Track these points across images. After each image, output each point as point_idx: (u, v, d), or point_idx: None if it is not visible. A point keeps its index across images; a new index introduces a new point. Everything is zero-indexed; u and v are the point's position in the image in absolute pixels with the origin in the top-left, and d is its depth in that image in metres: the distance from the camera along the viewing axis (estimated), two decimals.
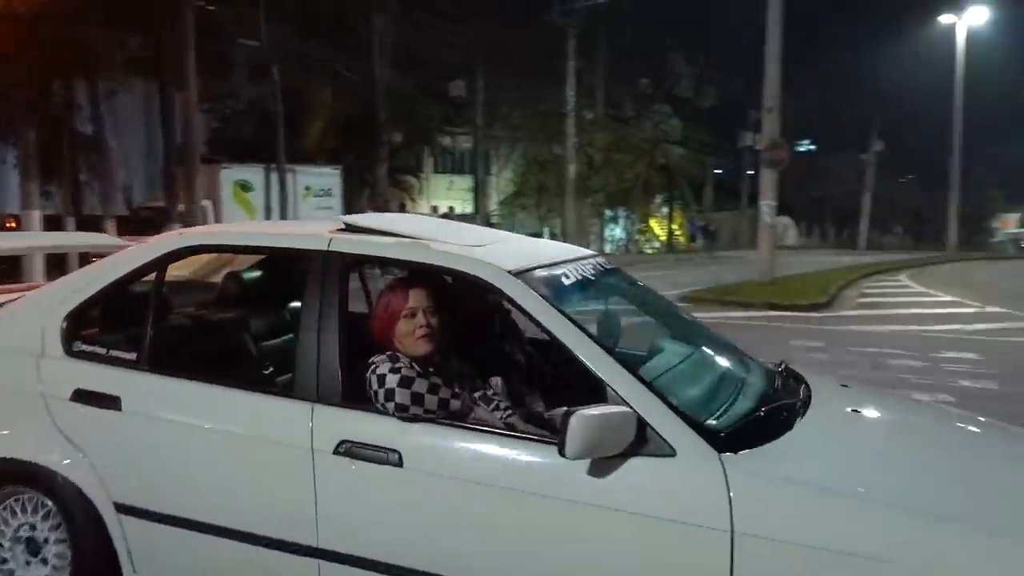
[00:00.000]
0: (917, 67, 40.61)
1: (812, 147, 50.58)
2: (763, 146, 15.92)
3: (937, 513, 2.04)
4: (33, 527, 2.76)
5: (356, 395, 2.46)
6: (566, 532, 2.20)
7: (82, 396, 2.70)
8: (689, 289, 15.25)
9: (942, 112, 32.50)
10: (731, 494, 2.06)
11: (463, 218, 25.87)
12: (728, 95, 33.49)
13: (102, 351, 2.77)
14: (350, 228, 2.77)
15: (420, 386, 2.39)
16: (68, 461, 2.68)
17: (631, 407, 2.16)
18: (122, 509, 2.65)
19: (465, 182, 33.67)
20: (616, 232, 35.57)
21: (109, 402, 2.67)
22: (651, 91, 31.80)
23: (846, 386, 3.20)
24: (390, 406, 2.37)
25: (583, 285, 2.73)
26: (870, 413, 2.80)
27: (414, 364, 2.48)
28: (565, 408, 2.11)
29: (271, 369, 3.18)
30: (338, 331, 2.52)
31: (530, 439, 2.33)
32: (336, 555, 2.43)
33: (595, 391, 2.26)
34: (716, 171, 43.33)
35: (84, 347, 2.79)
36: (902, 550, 1.94)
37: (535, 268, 2.59)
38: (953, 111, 31.04)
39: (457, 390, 2.50)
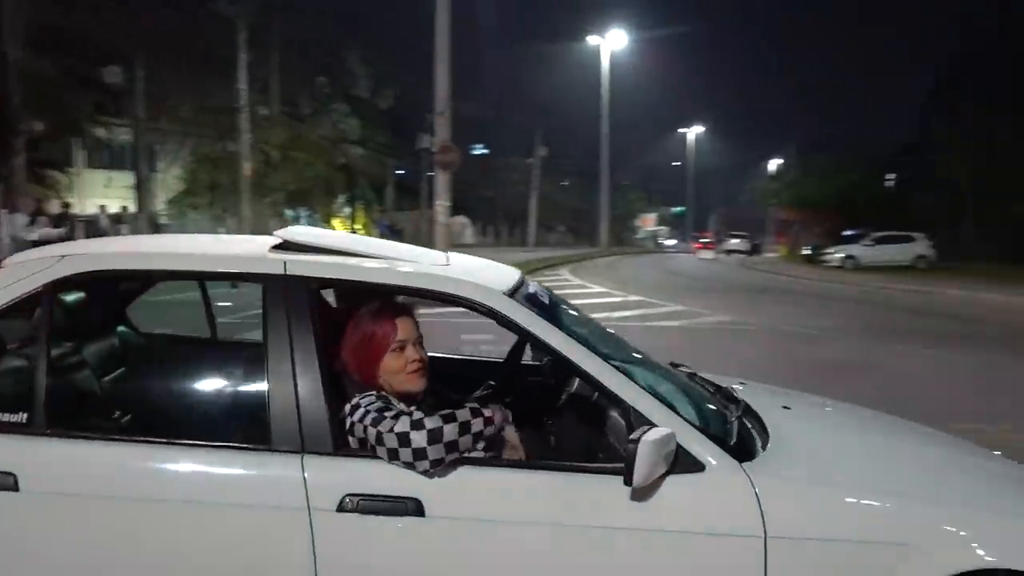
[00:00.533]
0: (574, 81, 45.07)
1: (485, 151, 53.69)
2: (435, 149, 16.52)
3: (933, 495, 2.19)
4: None
5: (344, 441, 2.10)
6: (608, 560, 2.05)
7: None
8: None
9: (594, 123, 36.28)
10: (760, 501, 2.05)
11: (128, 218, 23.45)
12: (407, 97, 34.33)
13: None
14: (289, 246, 2.35)
15: (451, 431, 2.03)
16: None
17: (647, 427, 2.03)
18: None
19: (126, 179, 30.57)
20: None
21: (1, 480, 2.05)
22: (328, 89, 31.49)
23: (743, 383, 3.08)
24: (422, 464, 2.00)
25: (552, 304, 2.58)
26: (799, 409, 2.86)
27: (401, 403, 2.17)
28: (630, 437, 1.96)
29: (118, 414, 2.62)
30: (319, 369, 2.13)
31: (570, 468, 2.11)
32: None
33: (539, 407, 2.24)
34: (398, 171, 44.17)
35: None
36: (917, 533, 2.04)
37: (519, 287, 2.41)
38: (601, 123, 34.81)
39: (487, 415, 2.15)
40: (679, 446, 2.05)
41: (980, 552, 2.02)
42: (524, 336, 2.29)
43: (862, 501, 2.10)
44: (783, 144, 51.60)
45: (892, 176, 41.32)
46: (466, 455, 2.07)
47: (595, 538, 2.05)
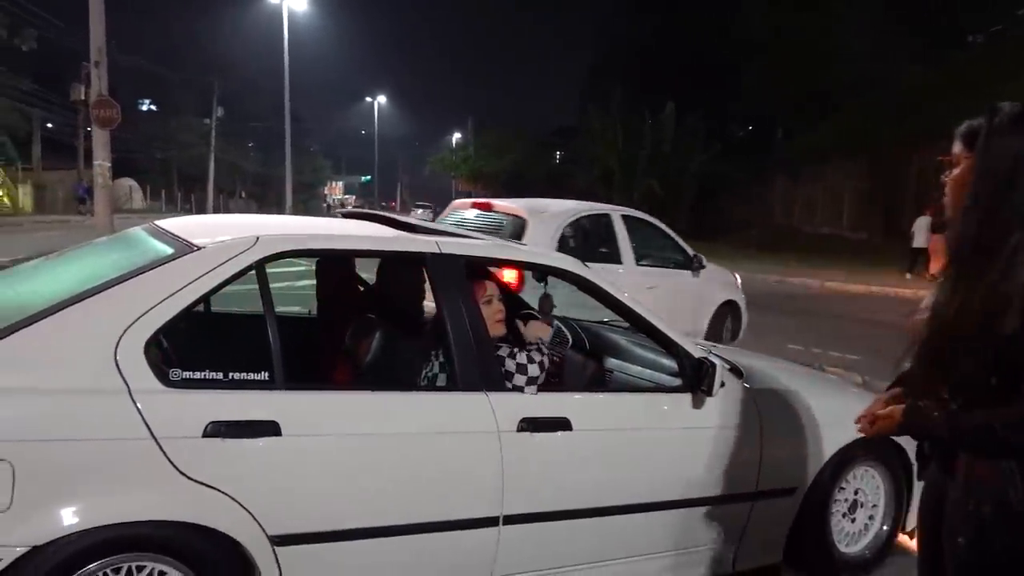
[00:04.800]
0: (253, 40, 42.96)
1: (153, 107, 49.33)
2: (91, 103, 15.00)
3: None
4: None
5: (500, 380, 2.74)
6: (684, 450, 2.99)
7: (222, 429, 2.23)
8: (9, 259, 13.61)
9: (278, 85, 35.02)
10: (758, 405, 3.09)
11: None
12: (56, 40, 30.31)
13: (217, 375, 2.33)
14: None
15: (542, 364, 2.85)
16: (208, 507, 2.23)
17: (701, 359, 2.98)
18: (280, 541, 2.34)
19: None
20: None
21: (263, 429, 2.30)
22: None
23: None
24: (531, 388, 2.77)
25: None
26: (744, 358, 3.64)
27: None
28: (700, 359, 2.97)
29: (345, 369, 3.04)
30: (481, 325, 2.76)
31: (652, 388, 3.19)
32: (518, 517, 2.67)
33: None
34: (47, 125, 38.99)
35: (186, 375, 2.28)
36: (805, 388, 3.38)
37: None
38: (284, 85, 33.71)
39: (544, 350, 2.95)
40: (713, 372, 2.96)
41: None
42: (601, 297, 3.08)
43: (792, 390, 3.34)
44: (464, 118, 54.10)
45: (558, 154, 45.43)
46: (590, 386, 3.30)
47: (666, 437, 2.97)
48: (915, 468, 3.43)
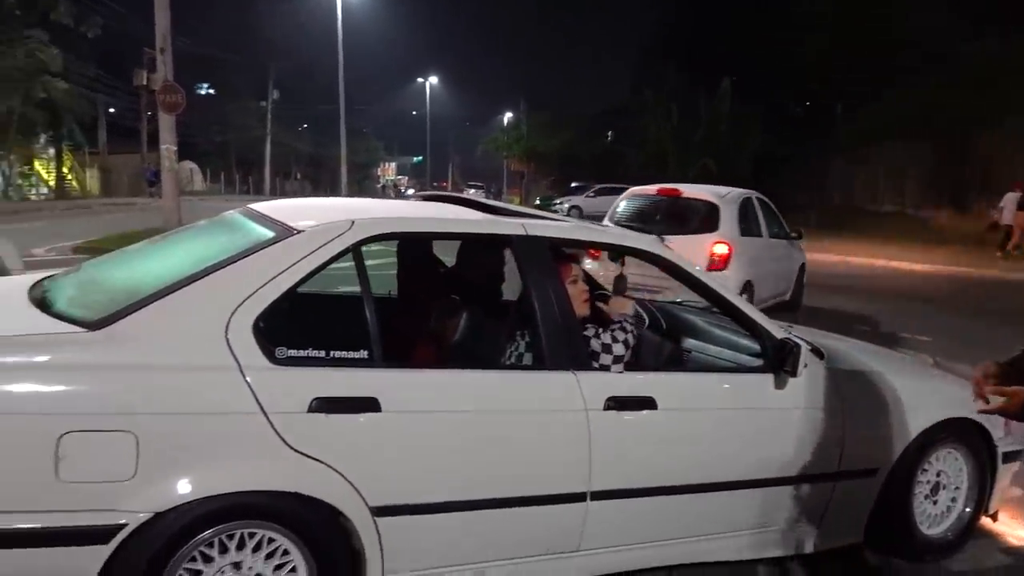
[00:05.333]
0: (308, 24, 43.42)
1: (211, 91, 50.29)
2: (157, 88, 15.40)
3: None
4: (238, 566, 2.34)
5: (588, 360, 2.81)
6: (766, 430, 3.02)
7: (325, 405, 2.34)
8: (84, 240, 14.12)
9: (330, 68, 35.38)
10: (840, 386, 3.09)
11: None
12: (119, 27, 31.07)
13: (320, 354, 2.46)
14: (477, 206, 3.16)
15: (627, 343, 2.91)
16: (313, 479, 2.34)
17: (784, 340, 3.00)
18: (379, 512, 2.45)
19: None
20: None
21: (365, 405, 2.40)
22: (20, 13, 27.53)
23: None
24: (618, 367, 2.83)
25: None
26: (821, 339, 3.62)
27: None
28: (783, 340, 2.99)
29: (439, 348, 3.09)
30: (568, 307, 2.81)
31: (737, 370, 3.20)
32: (605, 493, 2.74)
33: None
34: (110, 110, 40.07)
35: (292, 353, 2.41)
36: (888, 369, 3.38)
37: None
38: (339, 68, 34.04)
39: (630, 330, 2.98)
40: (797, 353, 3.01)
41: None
42: (683, 278, 3.12)
43: (874, 371, 3.34)
44: (515, 98, 53.93)
45: (610, 133, 45.02)
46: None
47: (749, 416, 3.01)
48: (999, 451, 3.44)
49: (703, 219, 7.69)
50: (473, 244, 3.35)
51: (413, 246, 3.66)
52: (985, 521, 3.57)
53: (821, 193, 30.57)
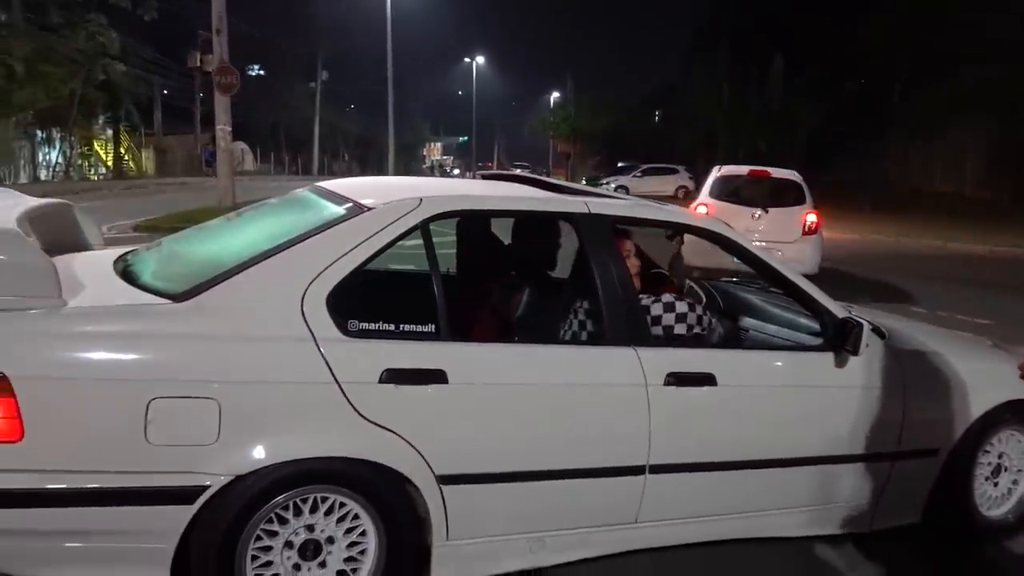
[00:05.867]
0: (356, 5, 43.68)
1: (262, 72, 50.89)
2: (213, 69, 15.69)
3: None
4: (311, 528, 2.47)
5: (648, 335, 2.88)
6: (826, 408, 3.04)
7: (396, 376, 2.45)
8: (144, 218, 14.53)
9: (379, 48, 35.58)
10: (901, 366, 3.12)
11: None
12: (172, 9, 31.61)
13: (390, 327, 2.56)
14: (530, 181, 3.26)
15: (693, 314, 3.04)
16: (383, 446, 2.45)
17: (846, 319, 2.98)
18: (445, 480, 2.55)
19: None
20: (52, 156, 31.33)
21: (433, 377, 2.50)
22: None
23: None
24: (681, 326, 2.97)
25: None
26: (883, 319, 3.62)
27: None
28: (845, 319, 2.97)
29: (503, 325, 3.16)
30: (630, 282, 2.89)
31: (797, 348, 3.20)
32: (663, 467, 2.81)
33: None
34: (164, 92, 40.87)
35: (363, 326, 2.51)
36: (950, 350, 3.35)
37: None
38: (387, 49, 34.20)
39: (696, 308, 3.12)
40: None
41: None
42: (744, 257, 3.13)
43: (936, 351, 3.31)
44: (562, 78, 53.59)
45: (658, 113, 44.52)
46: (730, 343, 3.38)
47: (809, 394, 3.03)
48: None
49: (793, 195, 9.91)
50: (530, 222, 3.41)
51: (474, 224, 3.73)
52: None
53: (877, 174, 29.87)
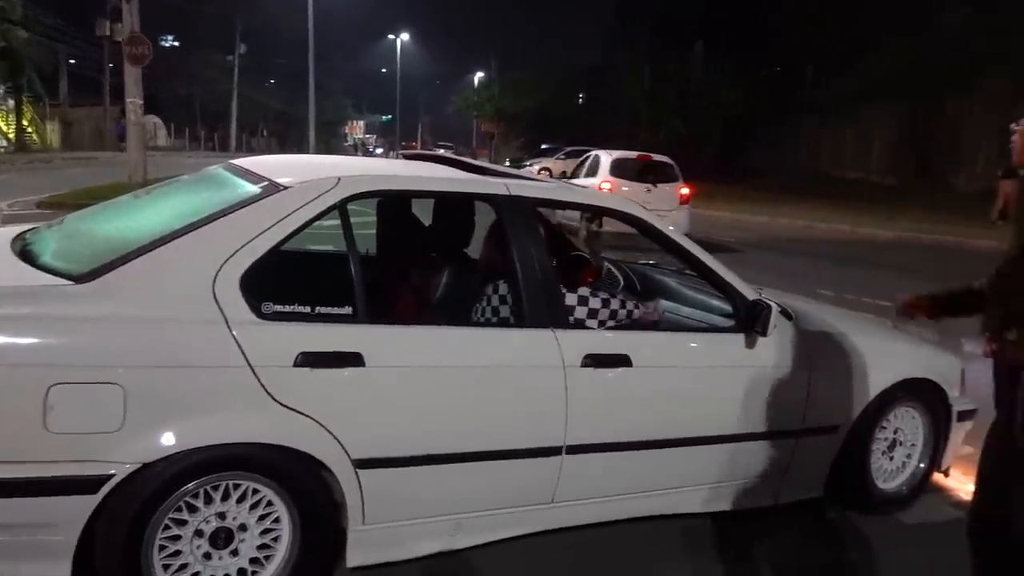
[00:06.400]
0: None
1: (176, 43, 48.98)
2: (123, 39, 15.00)
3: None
4: (223, 516, 2.41)
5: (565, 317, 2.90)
6: (736, 387, 3.10)
7: (311, 359, 2.40)
8: (48, 194, 13.84)
9: (300, 22, 34.60)
10: (808, 346, 3.23)
11: None
12: None
13: (306, 309, 2.49)
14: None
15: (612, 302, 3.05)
16: (298, 431, 2.40)
17: (756, 301, 3.09)
18: (361, 464, 2.52)
19: None
20: None
21: (350, 360, 2.46)
22: None
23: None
24: (592, 322, 2.97)
25: None
26: (791, 301, 3.71)
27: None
28: (755, 301, 3.07)
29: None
30: (549, 266, 2.89)
31: (710, 329, 3.35)
32: (580, 447, 2.84)
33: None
34: (71, 61, 38.91)
35: (278, 308, 2.44)
36: (852, 331, 3.47)
37: None
38: (308, 23, 33.30)
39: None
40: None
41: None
42: (660, 240, 3.17)
43: (840, 332, 3.43)
44: (487, 57, 53.27)
45: (582, 95, 44.78)
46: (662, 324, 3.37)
47: (720, 375, 3.11)
48: (953, 410, 3.60)
49: (671, 175, 12.84)
50: (451, 203, 3.39)
51: (394, 205, 3.69)
52: (937, 477, 3.75)
53: (789, 157, 30.86)
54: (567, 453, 2.83)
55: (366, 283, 2.63)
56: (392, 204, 3.69)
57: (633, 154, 13.33)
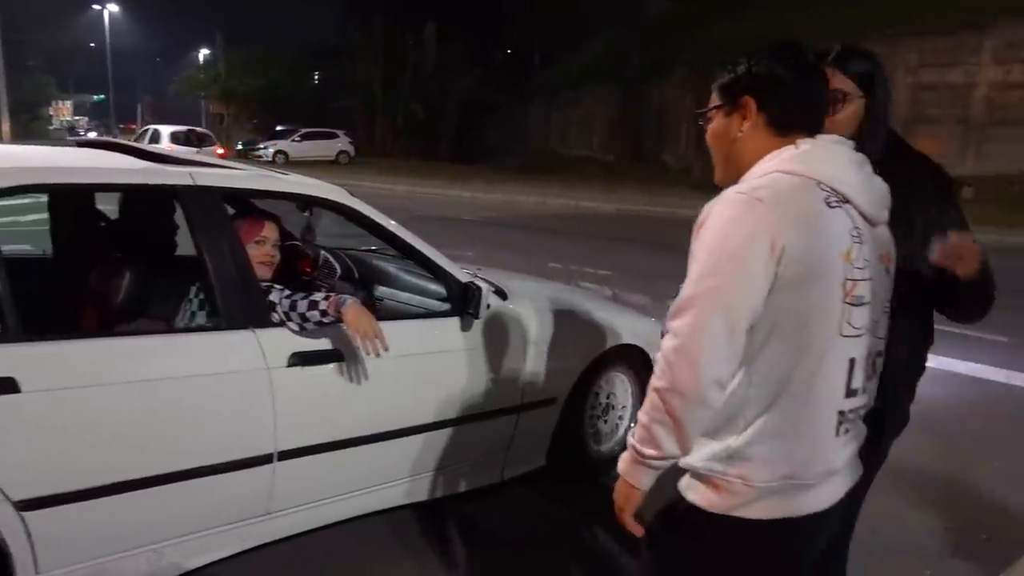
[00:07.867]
0: None
1: None
2: None
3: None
4: None
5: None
6: (453, 372, 3.10)
7: None
8: None
9: None
10: (521, 324, 3.31)
11: None
12: None
13: None
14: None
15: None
16: None
17: (467, 284, 3.08)
18: (27, 505, 2.13)
19: None
20: None
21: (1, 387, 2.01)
22: None
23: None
24: (308, 325, 2.65)
25: None
26: (485, 273, 3.64)
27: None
28: (466, 284, 3.08)
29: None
30: (244, 262, 2.63)
31: (425, 315, 3.27)
32: (293, 452, 2.66)
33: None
34: None
35: None
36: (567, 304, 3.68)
37: None
38: None
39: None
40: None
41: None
42: (368, 226, 3.03)
43: (551, 308, 3.53)
44: (211, 33, 49.87)
45: (317, 75, 43.51)
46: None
47: (436, 361, 3.07)
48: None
49: (209, 141, 23.58)
50: (132, 197, 3.04)
51: (68, 199, 3.25)
52: None
53: (522, 138, 32.31)
54: (279, 460, 2.65)
55: (28, 292, 2.26)
56: (67, 199, 3.24)
57: (183, 128, 24.40)
